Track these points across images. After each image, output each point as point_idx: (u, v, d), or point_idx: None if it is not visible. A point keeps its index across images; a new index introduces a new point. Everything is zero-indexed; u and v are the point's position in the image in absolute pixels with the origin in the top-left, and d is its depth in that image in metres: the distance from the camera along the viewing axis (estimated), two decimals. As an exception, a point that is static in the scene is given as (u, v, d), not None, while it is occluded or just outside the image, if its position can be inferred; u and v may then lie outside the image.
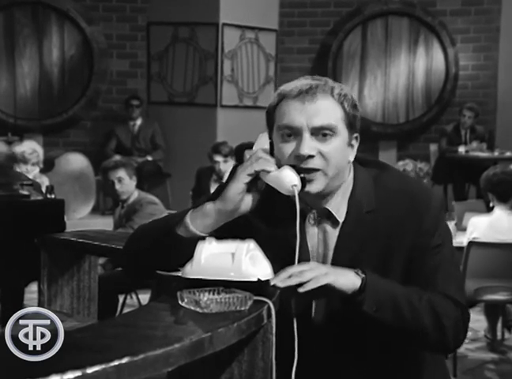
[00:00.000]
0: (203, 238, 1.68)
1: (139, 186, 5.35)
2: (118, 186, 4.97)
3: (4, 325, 1.22)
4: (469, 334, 5.01)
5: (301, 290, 1.62)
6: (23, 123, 8.67)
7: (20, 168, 5.56)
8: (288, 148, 1.72)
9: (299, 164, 1.70)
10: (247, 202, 1.73)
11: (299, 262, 1.68)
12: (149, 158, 8.45)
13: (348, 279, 1.68)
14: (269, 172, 1.70)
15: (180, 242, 1.71)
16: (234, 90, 8.56)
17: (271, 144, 1.77)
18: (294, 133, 1.72)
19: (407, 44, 9.07)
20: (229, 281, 1.56)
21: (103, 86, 8.91)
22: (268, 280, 1.59)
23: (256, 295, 1.54)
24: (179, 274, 1.63)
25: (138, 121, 8.60)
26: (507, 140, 8.68)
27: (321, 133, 1.71)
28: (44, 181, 5.53)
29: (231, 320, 1.43)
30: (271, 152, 1.76)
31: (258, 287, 1.57)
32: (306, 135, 1.70)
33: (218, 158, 6.28)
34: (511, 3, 8.96)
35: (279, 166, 1.72)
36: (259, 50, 8.76)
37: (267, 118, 1.79)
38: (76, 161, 7.98)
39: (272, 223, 1.80)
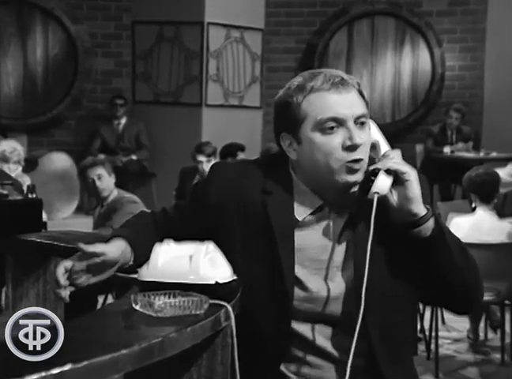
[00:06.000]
0: None
1: (124, 186, 5.31)
2: (98, 183, 4.97)
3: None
4: (452, 334, 4.99)
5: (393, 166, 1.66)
6: (7, 122, 8.60)
7: (2, 167, 5.51)
8: (334, 140, 1.68)
9: (349, 156, 1.67)
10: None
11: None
12: (134, 157, 8.39)
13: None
14: None
15: None
16: (219, 89, 8.52)
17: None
18: (338, 124, 1.69)
19: (393, 44, 9.04)
20: (186, 284, 1.52)
21: (87, 85, 8.85)
22: (226, 283, 1.56)
23: (214, 298, 1.50)
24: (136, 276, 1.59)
25: (123, 121, 8.55)
26: (493, 140, 8.66)
27: (360, 121, 1.70)
28: (26, 181, 5.47)
29: (184, 324, 1.40)
30: None
31: (217, 290, 1.53)
32: (352, 124, 1.69)
33: (201, 158, 6.26)
34: (497, 4, 8.94)
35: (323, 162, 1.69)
36: (245, 50, 8.71)
37: (288, 116, 1.73)
38: (59, 160, 7.92)
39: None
